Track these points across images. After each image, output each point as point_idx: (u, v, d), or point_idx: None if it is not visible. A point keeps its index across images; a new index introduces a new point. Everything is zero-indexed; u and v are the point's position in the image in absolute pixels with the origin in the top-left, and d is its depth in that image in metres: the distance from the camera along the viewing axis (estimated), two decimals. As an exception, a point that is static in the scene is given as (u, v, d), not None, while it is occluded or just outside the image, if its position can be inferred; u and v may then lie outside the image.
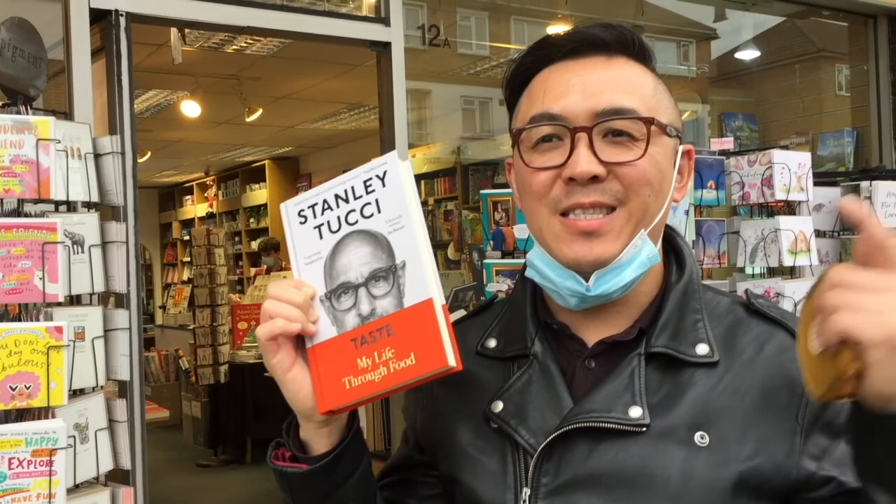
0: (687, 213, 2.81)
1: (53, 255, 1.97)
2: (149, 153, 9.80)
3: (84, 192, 2.18)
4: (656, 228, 1.00)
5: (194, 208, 12.94)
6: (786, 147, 4.99)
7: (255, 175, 11.31)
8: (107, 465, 2.21)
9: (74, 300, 2.19)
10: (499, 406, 1.01)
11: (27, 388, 1.90)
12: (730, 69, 6.76)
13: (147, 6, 2.95)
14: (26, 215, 2.01)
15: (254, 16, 3.26)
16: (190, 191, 13.14)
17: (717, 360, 0.96)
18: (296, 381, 0.96)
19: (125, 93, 2.82)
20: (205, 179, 12.67)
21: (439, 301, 0.92)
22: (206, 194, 12.77)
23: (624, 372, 0.97)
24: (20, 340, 1.90)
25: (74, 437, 2.06)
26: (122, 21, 2.85)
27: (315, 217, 1.00)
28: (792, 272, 3.02)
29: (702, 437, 0.92)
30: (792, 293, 2.88)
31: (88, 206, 2.23)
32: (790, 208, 3.09)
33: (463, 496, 1.02)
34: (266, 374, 1.70)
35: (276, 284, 0.98)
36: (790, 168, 2.96)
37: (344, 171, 0.99)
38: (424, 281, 0.92)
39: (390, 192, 0.95)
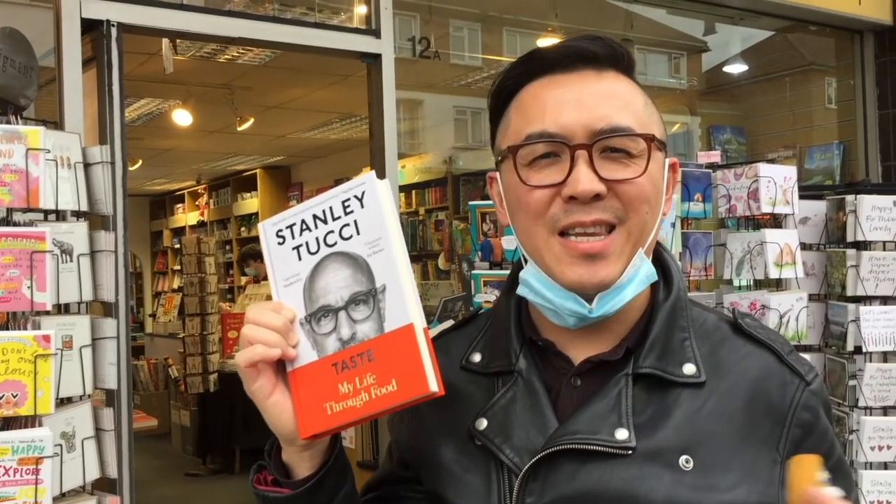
0: (673, 225, 2.83)
1: (42, 263, 1.97)
2: (140, 161, 9.78)
3: (73, 201, 2.18)
4: (650, 245, 1.00)
5: (185, 216, 12.91)
6: (773, 160, 5.04)
7: (246, 184, 11.30)
8: (93, 473, 2.20)
9: (62, 309, 2.19)
10: (483, 423, 1.00)
11: (14, 397, 1.90)
12: (719, 82, 6.78)
13: (138, 17, 2.96)
14: (15, 224, 2.02)
15: (245, 27, 3.28)
16: (181, 199, 13.10)
17: (704, 381, 0.96)
18: (277, 406, 0.95)
19: (116, 103, 2.83)
20: (196, 188, 12.65)
21: (420, 325, 0.91)
22: (197, 203, 12.74)
23: (611, 393, 0.96)
24: (7, 349, 1.90)
25: (61, 445, 2.05)
26: (114, 31, 2.85)
27: (293, 238, 0.98)
28: (778, 284, 3.04)
29: (686, 461, 0.92)
30: (777, 305, 2.90)
31: (77, 215, 2.24)
32: (776, 221, 3.11)
33: None
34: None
35: (254, 308, 0.96)
36: (776, 181, 2.99)
37: (335, 181, 0.99)
38: (405, 305, 0.91)
39: (369, 214, 0.94)
